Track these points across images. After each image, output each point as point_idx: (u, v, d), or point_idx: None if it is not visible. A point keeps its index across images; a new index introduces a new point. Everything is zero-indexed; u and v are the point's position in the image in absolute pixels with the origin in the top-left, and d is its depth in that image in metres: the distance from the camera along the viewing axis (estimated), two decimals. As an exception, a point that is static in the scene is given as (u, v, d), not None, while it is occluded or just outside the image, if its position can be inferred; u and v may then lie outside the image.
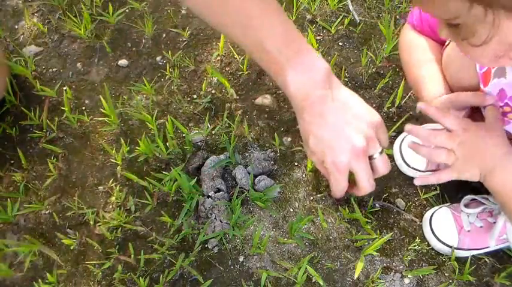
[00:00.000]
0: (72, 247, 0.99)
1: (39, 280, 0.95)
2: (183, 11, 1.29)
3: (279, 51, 0.61)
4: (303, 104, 0.63)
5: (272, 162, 1.07)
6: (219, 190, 1.01)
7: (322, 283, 0.96)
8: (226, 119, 1.12)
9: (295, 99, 0.63)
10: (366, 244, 1.01)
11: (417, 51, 0.94)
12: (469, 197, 0.99)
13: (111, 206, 1.03)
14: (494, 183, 0.77)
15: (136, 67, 1.21)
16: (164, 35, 1.25)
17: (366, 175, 0.70)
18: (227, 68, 1.21)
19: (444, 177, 0.79)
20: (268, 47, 0.61)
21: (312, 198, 1.06)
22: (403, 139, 1.08)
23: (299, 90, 0.62)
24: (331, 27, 1.25)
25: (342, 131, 0.64)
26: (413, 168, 1.06)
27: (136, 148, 1.07)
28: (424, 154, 0.81)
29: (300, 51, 0.62)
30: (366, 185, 0.71)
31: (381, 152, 0.69)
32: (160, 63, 1.21)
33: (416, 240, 1.02)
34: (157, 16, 1.27)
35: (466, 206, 0.98)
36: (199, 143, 1.10)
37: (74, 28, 1.21)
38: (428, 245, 1.02)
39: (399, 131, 1.10)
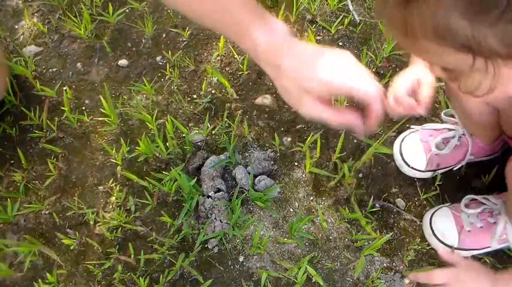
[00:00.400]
0: (72, 247, 0.99)
1: (39, 280, 0.95)
2: (183, 11, 1.29)
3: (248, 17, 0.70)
4: (277, 54, 0.69)
5: (272, 162, 1.07)
6: (219, 190, 1.01)
7: (322, 283, 0.96)
8: (226, 119, 1.12)
9: (266, 53, 0.69)
10: (366, 244, 1.01)
11: None
12: (469, 197, 0.98)
13: (111, 206, 1.03)
14: None
15: (136, 67, 1.21)
16: (164, 35, 1.25)
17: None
18: (227, 68, 1.21)
19: None
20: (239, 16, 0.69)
21: (311, 198, 1.06)
22: (403, 139, 1.08)
23: (270, 45, 0.69)
24: (331, 27, 1.25)
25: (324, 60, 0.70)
26: (413, 168, 1.06)
27: (136, 148, 1.07)
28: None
29: (265, 17, 0.71)
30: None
31: None
32: (160, 63, 1.21)
33: (416, 240, 1.02)
34: (157, 16, 1.27)
35: (467, 206, 0.98)
36: (199, 143, 1.10)
37: (74, 28, 1.21)
38: (429, 245, 1.02)
39: (399, 131, 1.10)
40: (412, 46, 0.54)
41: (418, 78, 0.88)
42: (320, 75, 0.69)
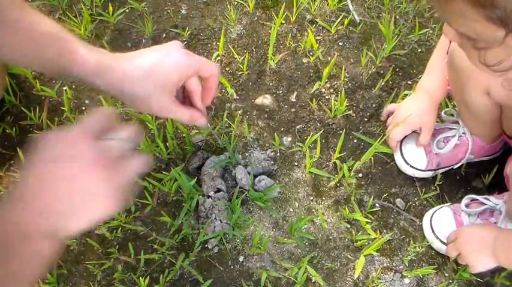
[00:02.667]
0: (72, 247, 0.99)
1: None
2: (183, 11, 1.29)
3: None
4: (113, 66, 0.73)
5: (272, 162, 1.07)
6: (219, 190, 1.01)
7: (322, 283, 0.96)
8: (226, 119, 1.12)
9: (100, 67, 0.72)
10: (366, 244, 1.01)
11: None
12: (469, 197, 0.98)
13: (111, 206, 1.03)
14: (501, 261, 0.89)
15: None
16: (164, 35, 1.25)
17: None
18: (227, 68, 1.21)
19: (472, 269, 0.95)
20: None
21: (311, 198, 1.06)
22: (403, 138, 1.08)
23: (101, 60, 0.73)
24: (331, 27, 1.25)
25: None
26: (413, 167, 1.06)
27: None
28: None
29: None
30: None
31: None
32: (160, 63, 1.21)
33: (417, 240, 1.02)
34: (157, 16, 1.27)
35: (467, 206, 0.98)
36: (199, 143, 1.10)
37: (74, 28, 1.21)
38: (429, 245, 1.02)
39: (399, 131, 1.10)
40: (445, 5, 0.52)
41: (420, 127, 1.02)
42: (170, 62, 0.73)
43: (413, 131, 1.07)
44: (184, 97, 0.88)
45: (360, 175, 1.09)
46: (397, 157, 1.08)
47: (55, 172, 0.56)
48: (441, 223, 1.00)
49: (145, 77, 0.74)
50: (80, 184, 0.57)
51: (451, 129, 1.06)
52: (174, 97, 0.78)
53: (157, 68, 0.74)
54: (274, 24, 1.20)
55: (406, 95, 1.15)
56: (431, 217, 1.01)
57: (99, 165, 0.57)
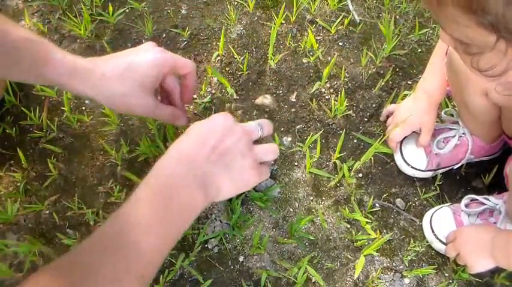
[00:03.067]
0: (72, 247, 0.99)
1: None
2: (183, 11, 1.29)
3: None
4: (91, 69, 0.75)
5: (272, 162, 1.07)
6: (219, 190, 1.01)
7: (322, 283, 0.96)
8: (226, 119, 1.12)
9: (80, 70, 0.75)
10: (366, 244, 1.01)
11: None
12: (469, 197, 0.99)
13: (111, 206, 1.03)
14: (499, 261, 0.89)
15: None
16: (164, 35, 1.25)
17: None
18: (227, 68, 1.21)
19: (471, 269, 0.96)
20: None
21: (311, 198, 1.06)
22: (403, 139, 1.08)
23: (80, 64, 0.75)
24: (331, 27, 1.25)
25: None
26: (413, 167, 1.06)
27: (136, 148, 1.07)
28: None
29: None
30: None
31: None
32: (160, 63, 1.21)
33: (417, 240, 1.02)
34: (157, 16, 1.27)
35: (467, 206, 0.98)
36: (199, 143, 1.10)
37: (74, 28, 1.21)
38: (429, 245, 1.02)
39: (399, 131, 1.10)
40: (438, 11, 0.52)
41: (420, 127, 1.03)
42: (145, 59, 0.75)
43: (413, 132, 1.07)
44: (162, 98, 0.88)
45: (360, 175, 1.09)
46: (397, 157, 1.08)
47: (218, 141, 0.71)
48: (441, 223, 1.00)
49: (123, 75, 0.75)
50: (236, 157, 0.73)
51: (451, 129, 1.06)
52: (153, 95, 0.79)
53: (134, 66, 0.76)
54: (274, 24, 1.20)
55: (406, 95, 1.15)
56: (431, 217, 1.01)
57: (250, 146, 0.75)
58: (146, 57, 0.76)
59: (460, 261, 0.95)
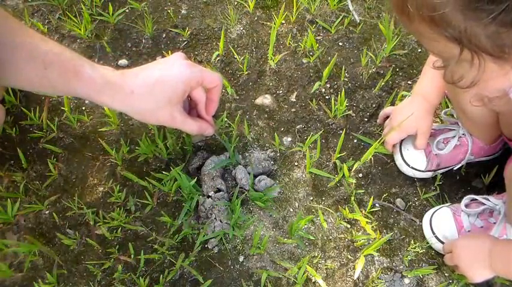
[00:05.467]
0: (72, 247, 0.99)
1: (39, 280, 0.95)
2: (183, 11, 1.29)
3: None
4: (119, 81, 0.77)
5: (272, 162, 1.07)
6: (219, 190, 1.01)
7: (322, 283, 0.96)
8: (226, 119, 1.12)
9: (109, 84, 0.76)
10: (366, 244, 1.01)
11: None
12: (469, 197, 0.98)
13: (111, 206, 1.03)
14: (499, 271, 0.88)
15: (136, 67, 1.20)
16: (164, 35, 1.25)
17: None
18: (227, 68, 1.21)
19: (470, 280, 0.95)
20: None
21: (311, 198, 1.06)
22: (403, 139, 1.08)
23: (108, 76, 0.76)
24: (331, 27, 1.25)
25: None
26: (413, 168, 1.06)
27: (136, 148, 1.07)
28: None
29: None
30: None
31: None
32: (160, 63, 1.21)
33: (417, 240, 1.02)
34: (157, 16, 1.27)
35: (467, 206, 0.98)
36: (199, 143, 1.10)
37: (74, 28, 1.21)
38: (428, 245, 1.02)
39: (399, 131, 1.09)
40: (406, 25, 0.55)
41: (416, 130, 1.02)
42: (173, 74, 0.77)
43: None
44: (191, 108, 0.89)
45: (360, 175, 1.09)
46: (397, 158, 1.08)
47: None
48: (441, 223, 1.00)
49: (152, 90, 0.76)
50: None
51: (450, 130, 1.06)
52: (181, 108, 0.79)
53: (163, 81, 0.77)
54: (274, 24, 1.20)
55: (404, 95, 1.15)
56: (431, 217, 1.01)
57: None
58: (174, 73, 0.78)
59: (459, 272, 0.95)
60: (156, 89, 0.76)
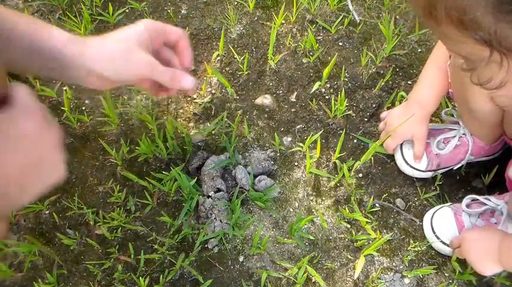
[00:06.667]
0: (72, 247, 0.99)
1: (39, 280, 0.95)
2: (183, 11, 1.29)
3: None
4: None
5: (272, 162, 1.07)
6: (219, 190, 1.01)
7: (322, 283, 0.96)
8: (226, 119, 1.12)
9: (64, 36, 0.71)
10: (366, 244, 1.01)
11: (439, 48, 0.97)
12: (470, 197, 0.98)
13: (111, 206, 1.03)
14: (508, 266, 0.87)
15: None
16: (164, 35, 1.25)
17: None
18: (227, 68, 1.21)
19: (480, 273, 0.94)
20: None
21: (312, 198, 1.06)
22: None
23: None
24: (331, 27, 1.25)
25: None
26: (413, 167, 1.06)
27: (136, 148, 1.07)
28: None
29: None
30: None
31: None
32: (160, 63, 1.21)
33: (417, 240, 1.02)
34: (157, 16, 1.27)
35: (468, 206, 0.98)
36: (199, 143, 1.10)
37: (74, 28, 1.21)
38: (429, 245, 1.01)
39: (399, 131, 1.09)
40: (433, 27, 0.54)
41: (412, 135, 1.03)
42: (137, 25, 0.75)
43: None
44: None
45: (360, 175, 1.09)
46: (397, 157, 1.08)
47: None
48: (442, 223, 0.99)
49: (120, 38, 0.74)
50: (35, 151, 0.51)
51: (451, 129, 1.05)
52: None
53: (129, 31, 0.75)
54: (274, 24, 1.20)
55: (402, 96, 1.15)
56: (432, 217, 1.01)
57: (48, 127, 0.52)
58: (137, 24, 0.77)
59: (469, 264, 0.94)
60: (125, 37, 0.74)
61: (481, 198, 0.97)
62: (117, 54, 0.74)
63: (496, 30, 0.46)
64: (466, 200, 0.98)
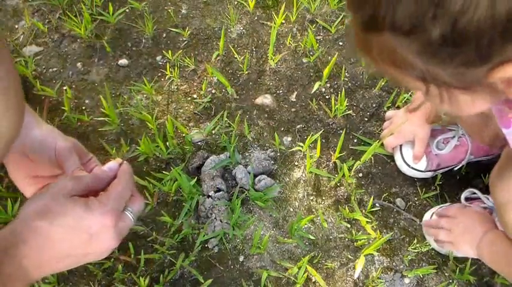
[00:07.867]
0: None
1: (39, 280, 0.95)
2: (183, 11, 1.29)
3: None
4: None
5: (272, 162, 1.07)
6: (219, 190, 1.01)
7: (322, 283, 0.96)
8: (226, 119, 1.12)
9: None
10: (366, 243, 1.01)
11: None
12: (470, 190, 0.99)
13: (111, 206, 1.03)
14: (484, 256, 0.90)
15: (136, 67, 1.21)
16: (164, 35, 1.25)
17: None
18: (227, 68, 1.21)
19: (446, 247, 0.98)
20: None
21: (312, 198, 1.06)
22: (403, 139, 1.08)
23: None
24: (331, 27, 1.25)
25: None
26: (413, 168, 1.06)
27: (137, 147, 1.07)
28: (431, 233, 1.00)
29: None
30: None
31: None
32: (161, 63, 1.21)
33: (417, 240, 1.02)
34: (158, 16, 1.27)
35: (467, 201, 0.99)
36: (199, 143, 1.10)
37: (74, 28, 1.21)
38: (429, 245, 1.02)
39: (399, 131, 1.09)
40: (374, 65, 0.56)
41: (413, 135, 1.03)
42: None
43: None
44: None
45: (360, 174, 1.09)
46: (397, 158, 1.08)
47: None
48: (441, 222, 1.00)
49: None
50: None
51: (450, 130, 1.06)
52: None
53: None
54: (274, 24, 1.20)
55: (404, 97, 1.15)
56: (431, 216, 1.01)
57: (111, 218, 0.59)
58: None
59: (447, 237, 0.96)
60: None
61: (479, 194, 0.97)
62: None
63: (428, 69, 0.48)
64: (466, 193, 0.99)
